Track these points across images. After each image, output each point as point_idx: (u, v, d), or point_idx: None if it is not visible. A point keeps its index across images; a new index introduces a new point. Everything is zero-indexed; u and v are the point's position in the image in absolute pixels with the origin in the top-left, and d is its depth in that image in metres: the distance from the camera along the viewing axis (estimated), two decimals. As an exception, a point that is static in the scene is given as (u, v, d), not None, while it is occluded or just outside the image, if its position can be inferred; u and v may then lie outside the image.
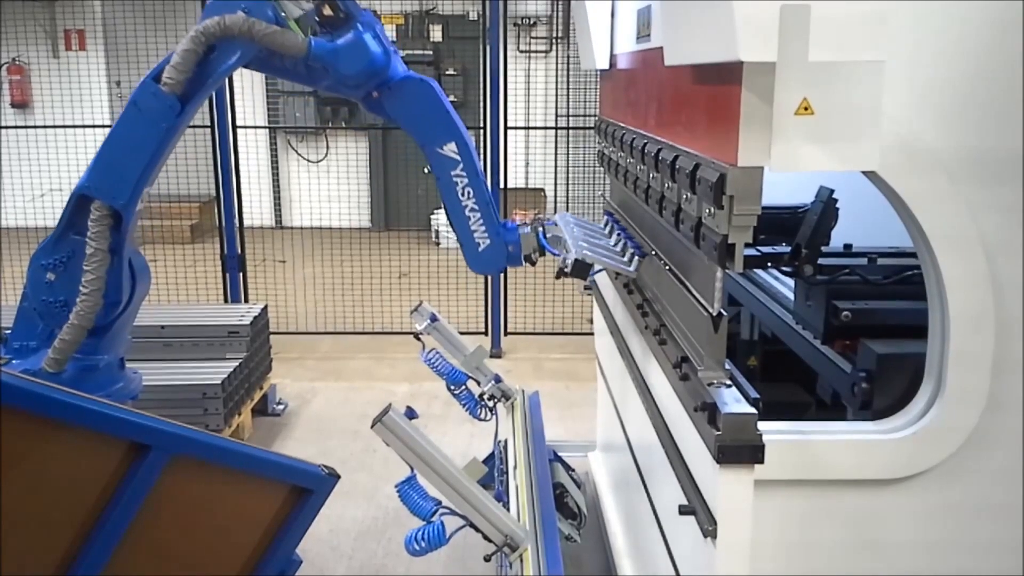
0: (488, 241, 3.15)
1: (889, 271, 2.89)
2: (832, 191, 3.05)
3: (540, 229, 3.25)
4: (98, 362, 3.13)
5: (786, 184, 3.13)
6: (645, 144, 2.87)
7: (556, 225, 3.36)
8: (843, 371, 2.68)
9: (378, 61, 3.01)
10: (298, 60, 2.94)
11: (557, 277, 2.97)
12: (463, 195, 3.11)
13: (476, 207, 3.13)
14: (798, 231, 3.06)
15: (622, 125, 3.48)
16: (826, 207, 3.03)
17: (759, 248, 3.26)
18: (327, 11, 2.96)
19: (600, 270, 3.07)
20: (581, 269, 2.89)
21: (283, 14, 2.91)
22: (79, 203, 3.00)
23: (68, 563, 2.32)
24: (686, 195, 2.37)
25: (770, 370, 3.53)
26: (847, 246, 3.15)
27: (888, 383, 2.49)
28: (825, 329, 2.81)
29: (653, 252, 3.05)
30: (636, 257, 3.11)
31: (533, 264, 3.21)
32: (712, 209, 2.12)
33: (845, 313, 2.72)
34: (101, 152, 2.97)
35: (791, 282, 3.25)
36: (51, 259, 3.06)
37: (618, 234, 3.43)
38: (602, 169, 3.98)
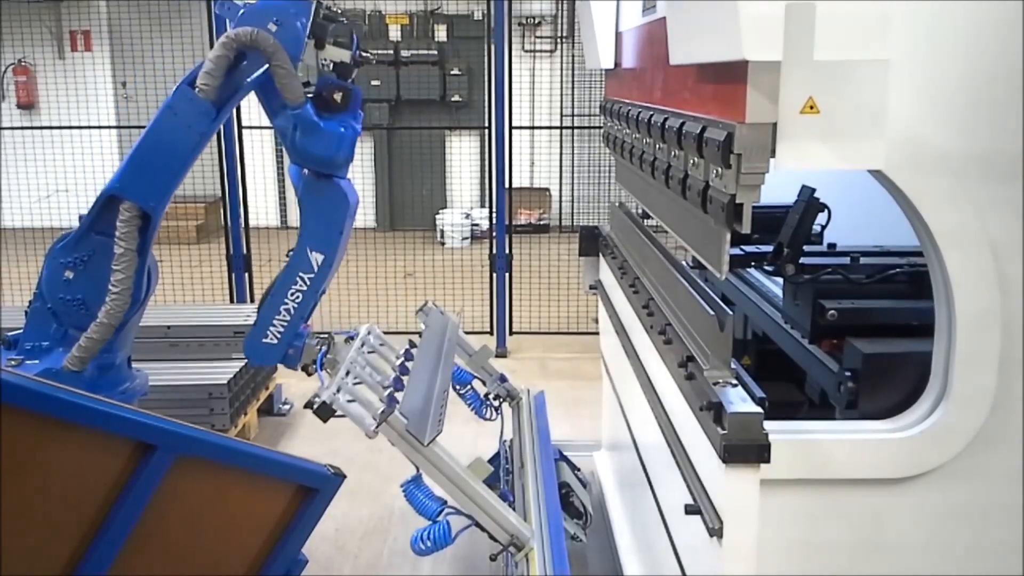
0: (275, 341, 3.16)
1: (872, 270, 2.88)
2: (814, 190, 3.05)
3: (323, 349, 3.23)
4: (114, 359, 3.15)
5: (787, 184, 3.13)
6: (651, 116, 2.85)
7: (350, 341, 3.32)
8: (830, 370, 2.67)
9: (338, 159, 3.06)
10: (289, 107, 2.96)
11: (304, 407, 2.99)
12: (291, 295, 3.13)
13: (291, 312, 3.14)
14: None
15: (627, 101, 3.46)
16: (808, 206, 3.02)
17: (743, 247, 3.26)
18: (337, 96, 3.02)
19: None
20: (324, 412, 2.89)
21: (304, 52, 2.96)
22: (107, 204, 3.02)
23: (74, 562, 2.33)
24: (693, 160, 2.35)
25: (763, 369, 3.52)
26: (831, 245, 3.15)
27: (874, 382, 2.48)
28: (812, 328, 2.81)
29: (650, 275, 3.03)
30: (386, 405, 3.00)
31: (309, 375, 3.21)
32: (720, 170, 2.10)
33: (831, 312, 2.71)
34: (134, 155, 3.00)
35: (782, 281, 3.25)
36: (71, 257, 3.08)
37: (401, 368, 3.37)
38: (606, 168, 3.97)
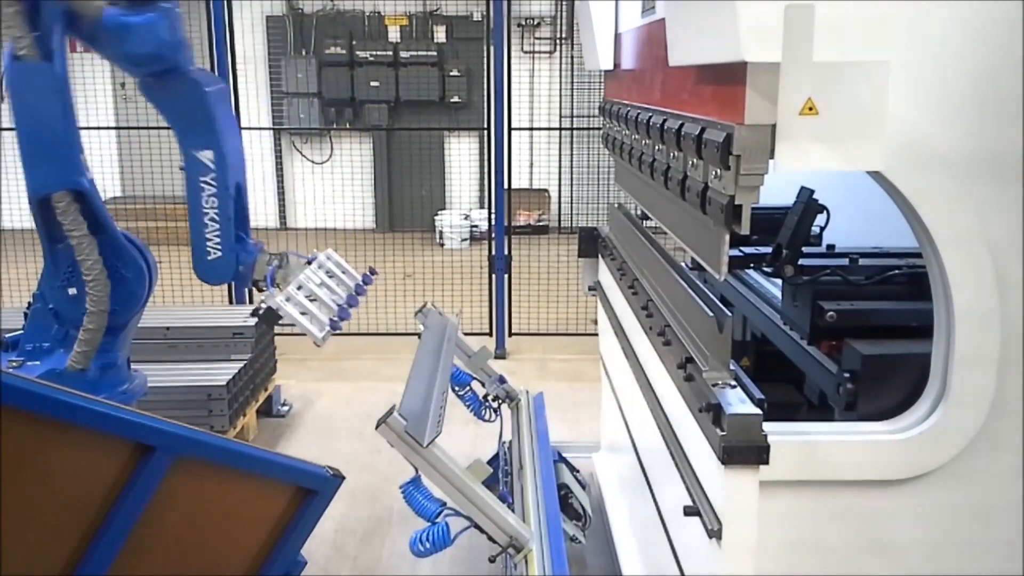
0: (219, 254, 3.12)
1: (871, 271, 2.88)
2: (812, 192, 3.05)
3: (275, 263, 3.19)
4: (115, 360, 3.15)
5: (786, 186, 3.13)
6: (650, 117, 2.85)
7: (307, 264, 3.29)
8: (829, 371, 2.67)
9: (165, 49, 2.96)
10: (94, 24, 2.86)
11: (251, 315, 2.99)
12: (206, 203, 3.07)
13: (216, 218, 3.09)
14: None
15: (627, 103, 3.46)
16: (806, 208, 3.02)
17: (741, 249, 3.26)
18: None
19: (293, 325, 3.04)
20: (270, 317, 2.87)
21: None
22: (41, 210, 2.99)
23: (74, 563, 2.33)
24: (692, 161, 2.35)
25: (762, 370, 3.53)
26: (830, 247, 3.15)
27: (873, 384, 2.48)
28: (811, 330, 2.81)
29: (647, 277, 3.03)
30: (335, 320, 3.04)
31: (260, 291, 3.16)
32: (719, 171, 2.10)
33: (830, 313, 2.71)
34: (25, 152, 2.96)
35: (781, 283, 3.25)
36: (60, 278, 3.06)
37: (357, 288, 3.39)
38: (606, 169, 3.98)
